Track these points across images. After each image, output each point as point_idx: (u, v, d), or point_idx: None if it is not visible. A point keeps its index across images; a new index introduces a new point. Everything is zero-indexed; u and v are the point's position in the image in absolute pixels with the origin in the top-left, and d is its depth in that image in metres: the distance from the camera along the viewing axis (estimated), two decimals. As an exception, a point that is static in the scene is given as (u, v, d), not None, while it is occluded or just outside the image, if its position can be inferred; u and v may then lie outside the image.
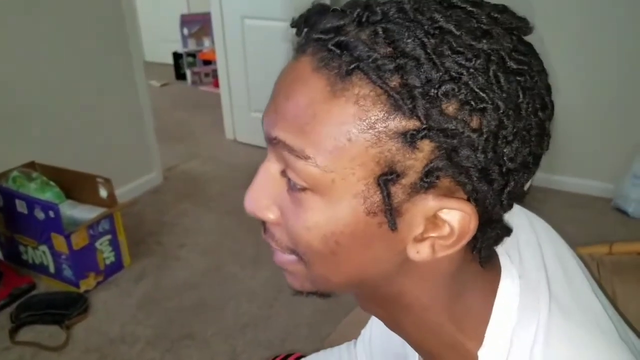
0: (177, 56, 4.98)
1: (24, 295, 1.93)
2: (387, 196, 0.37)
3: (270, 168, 0.42)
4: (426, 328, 0.46)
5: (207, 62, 4.82)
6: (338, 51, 0.36)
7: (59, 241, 1.87)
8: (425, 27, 0.35)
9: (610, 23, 2.34)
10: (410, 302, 0.44)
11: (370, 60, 0.35)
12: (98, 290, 1.99)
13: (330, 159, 0.37)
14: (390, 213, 0.38)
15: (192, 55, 4.88)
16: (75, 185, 2.11)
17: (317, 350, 0.83)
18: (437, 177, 0.36)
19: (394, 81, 0.35)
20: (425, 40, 0.35)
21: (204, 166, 3.11)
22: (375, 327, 0.72)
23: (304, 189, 0.39)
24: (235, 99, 3.37)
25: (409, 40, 0.35)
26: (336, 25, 0.37)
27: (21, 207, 1.92)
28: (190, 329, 1.81)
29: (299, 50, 0.39)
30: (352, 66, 0.35)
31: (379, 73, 0.35)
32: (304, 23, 0.41)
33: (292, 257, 0.43)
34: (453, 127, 0.35)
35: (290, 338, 1.72)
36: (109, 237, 2.01)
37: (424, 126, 0.35)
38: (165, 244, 2.31)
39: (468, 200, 0.38)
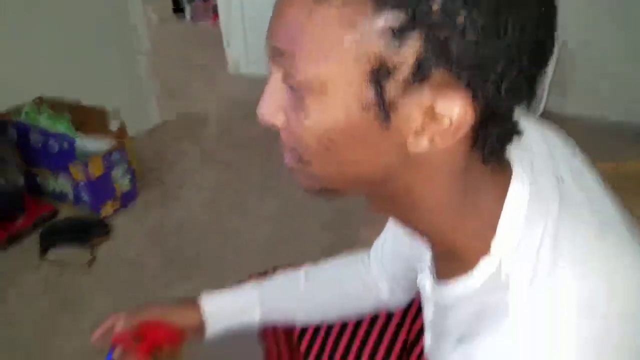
0: (174, -10, 4.88)
1: (48, 221, 2.04)
2: (380, 91, 0.38)
3: (275, 78, 0.44)
4: (436, 226, 0.47)
5: (205, -5, 4.72)
6: None
7: (76, 170, 1.96)
8: None
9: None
10: (418, 201, 0.45)
11: None
12: (117, 216, 2.10)
13: (321, 62, 0.39)
14: (384, 108, 0.39)
15: (190, -12, 4.78)
16: (84, 117, 2.17)
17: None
18: (429, 70, 0.37)
19: None
20: None
21: (203, 103, 3.12)
22: (388, 234, 0.76)
23: (300, 92, 0.41)
24: (235, 30, 3.36)
25: None
26: None
27: (35, 140, 1.99)
28: (202, 254, 1.92)
29: None
30: None
31: None
32: None
33: (294, 158, 0.46)
34: (439, 19, 0.35)
35: (299, 262, 1.82)
36: (123, 166, 2.09)
37: (408, 20, 0.35)
38: (167, 183, 2.36)
39: (467, 91, 0.38)
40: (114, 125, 2.10)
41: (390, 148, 0.41)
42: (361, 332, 0.83)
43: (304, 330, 0.85)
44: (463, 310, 0.48)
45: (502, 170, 0.46)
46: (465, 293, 0.47)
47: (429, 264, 0.56)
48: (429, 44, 0.36)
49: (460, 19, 0.35)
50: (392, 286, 0.77)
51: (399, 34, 0.36)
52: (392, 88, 0.38)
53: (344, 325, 0.83)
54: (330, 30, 0.38)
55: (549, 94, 2.55)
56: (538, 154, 0.49)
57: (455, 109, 0.38)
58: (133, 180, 2.16)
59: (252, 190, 2.25)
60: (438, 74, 0.37)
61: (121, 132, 2.10)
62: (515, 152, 0.46)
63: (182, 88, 3.34)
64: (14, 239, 1.95)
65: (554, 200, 0.44)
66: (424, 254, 0.58)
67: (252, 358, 0.93)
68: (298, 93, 0.41)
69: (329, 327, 0.84)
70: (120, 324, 0.74)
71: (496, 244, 0.44)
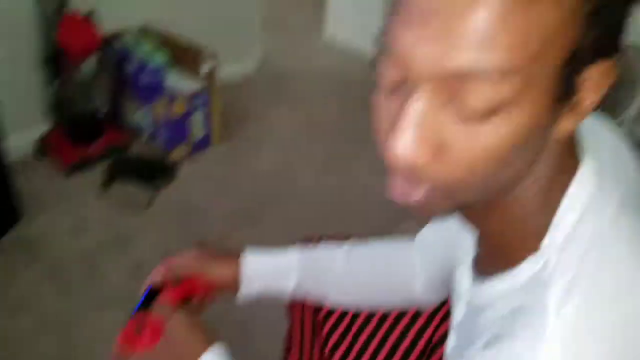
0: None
1: (119, 152, 2.03)
2: (574, 82, 0.37)
3: (429, 105, 0.36)
4: (512, 222, 0.45)
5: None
6: None
7: (159, 106, 1.93)
8: None
9: None
10: (519, 192, 0.43)
11: None
12: (186, 161, 2.06)
13: (532, 66, 0.34)
14: (575, 97, 0.37)
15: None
16: (181, 53, 2.12)
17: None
18: (602, 45, 0.36)
19: None
20: None
21: (297, 64, 3.03)
22: (434, 225, 0.73)
23: (492, 111, 0.35)
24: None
25: None
26: None
27: (131, 67, 1.97)
28: (260, 213, 1.87)
29: None
30: None
31: None
32: None
33: (438, 191, 0.40)
34: None
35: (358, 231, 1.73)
36: (204, 111, 2.04)
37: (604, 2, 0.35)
38: (249, 132, 2.33)
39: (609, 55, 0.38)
40: (205, 68, 2.04)
41: (546, 139, 0.39)
42: (384, 329, 0.82)
43: (329, 314, 0.83)
44: (498, 310, 0.45)
45: (573, 155, 0.44)
46: (504, 291, 0.45)
47: (472, 257, 0.54)
48: (606, 20, 0.35)
49: None
50: (427, 283, 0.75)
51: (595, 14, 0.35)
52: (582, 73, 0.37)
53: (368, 318, 0.82)
54: (546, 24, 0.33)
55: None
56: (607, 148, 0.47)
57: (607, 74, 0.38)
58: (209, 127, 2.10)
59: (314, 167, 2.15)
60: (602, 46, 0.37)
61: (211, 76, 2.04)
62: (587, 144, 0.45)
63: (281, 43, 3.26)
64: (84, 163, 1.95)
65: (611, 203, 0.42)
66: (468, 248, 0.55)
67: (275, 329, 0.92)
68: (481, 117, 0.35)
69: (354, 317, 0.83)
70: (161, 271, 0.74)
71: (546, 242, 0.42)
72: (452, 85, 0.35)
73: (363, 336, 0.82)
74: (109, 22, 2.02)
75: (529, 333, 0.40)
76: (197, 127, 2.06)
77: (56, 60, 1.85)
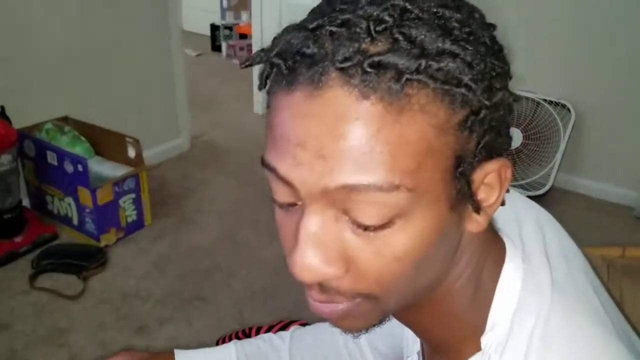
0: (214, 28, 5.01)
1: (47, 243, 2.00)
2: (468, 184, 0.38)
3: (321, 221, 0.37)
4: (445, 319, 0.45)
5: (243, 36, 4.84)
6: (376, 71, 0.33)
7: (84, 195, 1.93)
8: (433, 20, 0.35)
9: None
10: (444, 292, 0.44)
11: (414, 67, 0.33)
12: (117, 245, 2.05)
13: (415, 177, 0.35)
14: (473, 198, 0.39)
15: (229, 28, 4.90)
16: (105, 142, 2.17)
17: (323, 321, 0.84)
18: (491, 146, 0.38)
19: (441, 77, 0.34)
20: (437, 31, 0.35)
21: (229, 137, 3.15)
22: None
23: (387, 223, 0.36)
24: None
25: (426, 36, 0.34)
26: (354, 48, 0.34)
27: (52, 158, 1.98)
28: (201, 291, 1.85)
29: (312, 85, 0.35)
30: (403, 79, 0.33)
31: (428, 75, 0.34)
32: (283, 61, 0.36)
33: (358, 300, 0.40)
34: (498, 99, 0.37)
35: (298, 308, 1.75)
36: (133, 195, 2.06)
37: (478, 109, 0.36)
38: (185, 208, 2.36)
39: (500, 155, 0.40)
40: (131, 152, 2.08)
41: (456, 237, 0.41)
42: None
43: None
44: None
45: (497, 245, 0.46)
46: None
47: (419, 350, 0.54)
48: (490, 125, 0.37)
49: (501, 94, 0.38)
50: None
51: (471, 123, 0.36)
52: (467, 176, 0.38)
53: None
54: (421, 141, 0.34)
55: (558, 169, 2.51)
56: (528, 230, 0.48)
57: (502, 173, 0.40)
58: (140, 210, 2.12)
59: (258, 235, 2.19)
60: (489, 148, 0.39)
61: (137, 161, 2.08)
62: (507, 227, 0.47)
63: (209, 118, 3.38)
64: (10, 257, 1.90)
65: (546, 280, 0.43)
66: (413, 341, 0.55)
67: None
68: (379, 225, 0.36)
69: None
70: None
71: (485, 341, 0.42)
72: (341, 200, 0.35)
73: None
74: (29, 115, 2.05)
75: None
76: (127, 210, 2.06)
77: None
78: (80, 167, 1.89)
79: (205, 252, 2.07)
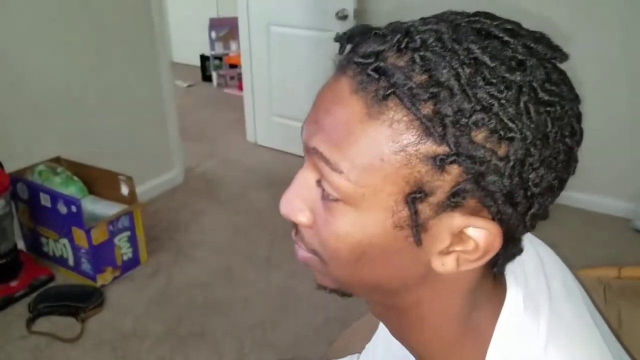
0: (204, 58, 5.06)
1: (43, 286, 1.98)
2: (415, 213, 0.39)
3: (307, 175, 0.44)
4: (435, 341, 0.47)
5: (233, 66, 4.88)
6: (376, 76, 0.38)
7: (79, 235, 1.92)
8: (461, 57, 0.37)
9: (633, 37, 2.32)
10: (425, 314, 0.46)
11: (405, 87, 0.37)
12: (114, 284, 2.04)
13: (362, 175, 0.39)
14: (417, 229, 0.40)
15: (219, 58, 4.95)
16: (98, 181, 2.17)
17: (323, 356, 0.84)
18: (464, 198, 0.38)
19: (427, 108, 0.36)
20: (460, 70, 0.36)
21: (223, 167, 3.16)
22: (380, 337, 0.72)
23: (336, 200, 0.41)
24: (258, 102, 3.41)
25: (444, 70, 0.36)
26: (376, 50, 0.39)
27: (45, 200, 1.97)
28: (200, 327, 1.84)
29: (340, 69, 0.41)
30: (389, 92, 0.37)
31: (413, 100, 0.36)
32: (347, 40, 0.43)
33: (315, 257, 0.46)
34: (481, 155, 0.37)
35: (298, 342, 1.73)
36: (127, 233, 2.06)
37: (453, 152, 0.37)
38: (181, 242, 2.35)
39: (493, 219, 0.40)
40: (124, 190, 2.08)
41: (414, 264, 0.42)
42: None
43: None
44: None
45: (499, 285, 0.46)
46: None
47: None
48: (467, 174, 0.37)
49: (498, 155, 0.37)
50: None
51: (440, 162, 0.37)
52: (424, 210, 0.39)
53: None
54: (378, 148, 0.38)
55: None
56: (529, 263, 0.49)
57: (484, 236, 0.40)
58: (136, 247, 2.11)
59: (256, 267, 2.18)
60: (472, 201, 0.39)
61: (131, 198, 2.08)
62: (509, 267, 0.47)
63: (202, 149, 3.39)
64: (6, 303, 1.88)
65: (545, 314, 0.44)
66: None
67: None
68: (331, 200, 0.41)
69: None
70: None
71: None
72: (318, 166, 0.41)
73: None
74: (20, 157, 2.05)
75: None
76: (122, 249, 2.05)
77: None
78: (74, 208, 1.89)
79: (202, 286, 2.06)
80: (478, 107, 0.36)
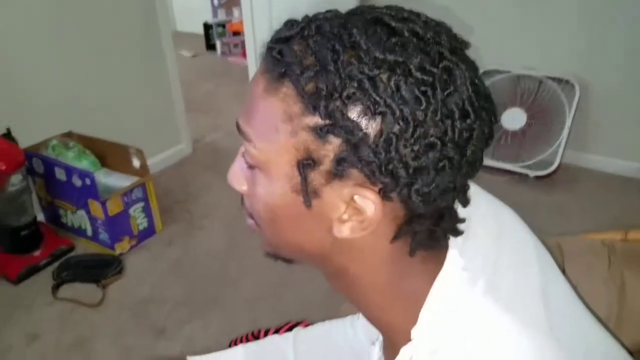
0: (207, 27, 5.04)
1: (64, 255, 2.07)
2: (304, 178, 0.44)
3: (241, 150, 0.51)
4: (370, 304, 0.53)
5: (237, 33, 4.86)
6: (279, 58, 0.44)
7: (95, 207, 2.00)
8: (344, 41, 0.41)
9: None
10: (355, 280, 0.51)
11: (296, 68, 0.42)
12: (132, 253, 2.12)
13: (264, 144, 0.45)
14: (306, 192, 0.45)
15: (222, 25, 4.93)
16: (109, 154, 2.24)
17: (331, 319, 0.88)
18: (346, 168, 0.42)
19: (310, 86, 0.41)
20: (340, 52, 0.41)
21: (229, 139, 3.20)
22: None
23: (253, 167, 0.48)
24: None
25: (325, 52, 0.41)
26: (284, 36, 0.44)
27: (60, 174, 2.04)
28: (214, 294, 1.92)
29: (264, 54, 0.47)
30: (282, 71, 0.43)
31: (300, 78, 0.42)
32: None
33: (252, 221, 0.53)
34: (353, 127, 0.40)
35: (307, 308, 1.81)
36: (141, 204, 2.13)
37: (328, 123, 0.41)
38: (193, 213, 2.43)
39: (379, 192, 0.43)
40: (136, 163, 2.14)
41: (318, 229, 0.47)
42: None
43: None
44: None
45: (436, 257, 0.49)
46: None
47: (380, 339, 0.61)
48: (345, 145, 0.42)
49: (372, 128, 0.40)
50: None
51: (320, 132, 0.42)
52: (316, 177, 0.44)
53: None
54: (273, 119, 0.44)
55: (565, 146, 2.52)
56: (481, 234, 0.51)
57: (369, 206, 0.44)
58: (150, 217, 2.19)
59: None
60: (355, 172, 0.43)
61: (143, 170, 2.14)
62: (456, 240, 0.50)
63: (209, 120, 3.43)
64: (31, 272, 1.97)
65: (481, 287, 0.46)
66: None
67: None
68: (251, 167, 0.48)
69: None
70: None
71: (415, 332, 0.47)
72: (243, 139, 0.48)
73: None
74: (32, 133, 2.11)
75: None
76: (138, 219, 2.13)
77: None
78: (88, 181, 1.96)
79: (214, 256, 2.14)
80: (350, 84, 0.40)
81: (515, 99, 2.59)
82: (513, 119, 2.59)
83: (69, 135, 2.25)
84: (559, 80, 2.50)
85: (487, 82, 2.61)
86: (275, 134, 0.44)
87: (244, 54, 4.47)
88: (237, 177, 0.52)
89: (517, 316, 0.45)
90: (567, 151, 2.54)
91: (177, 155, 2.89)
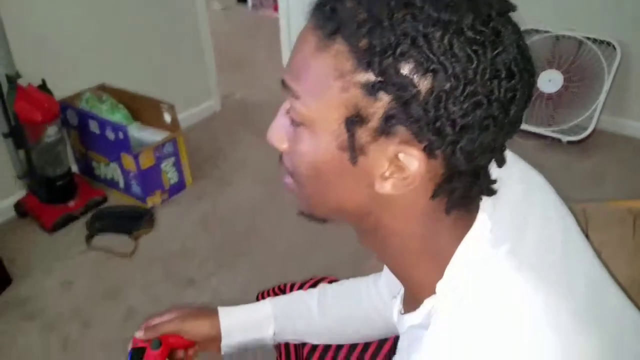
0: (238, -21, 4.95)
1: (98, 206, 2.14)
2: (352, 135, 0.45)
3: (284, 107, 0.51)
4: (403, 259, 0.54)
5: (267, -14, 4.77)
6: (331, 14, 0.44)
7: (128, 160, 2.04)
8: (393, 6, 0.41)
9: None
10: (387, 236, 0.53)
11: (349, 24, 0.42)
12: (163, 206, 2.18)
13: (313, 101, 0.46)
14: (353, 149, 0.45)
15: (253, -22, 4.84)
16: (141, 108, 2.26)
17: (357, 276, 0.89)
18: (394, 125, 0.43)
19: (363, 42, 0.42)
20: (394, 10, 0.41)
21: (258, 95, 3.18)
22: None
23: (298, 124, 0.48)
24: (293, 27, 3.37)
25: (379, 10, 0.41)
26: None
27: (94, 127, 2.08)
28: (242, 247, 1.97)
29: (313, 10, 0.47)
30: (335, 28, 0.43)
31: (353, 34, 0.42)
32: None
33: (291, 180, 0.53)
34: (405, 84, 0.41)
35: (334, 265, 1.84)
36: (172, 159, 2.17)
37: (380, 80, 0.42)
38: (222, 169, 2.46)
39: (424, 150, 0.44)
40: (167, 118, 2.17)
41: (360, 186, 0.48)
42: (367, 355, 0.84)
43: (313, 348, 0.87)
44: (405, 341, 0.56)
45: (467, 218, 0.50)
46: (410, 326, 0.55)
47: (401, 293, 0.63)
48: (395, 102, 0.42)
49: (423, 86, 0.41)
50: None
51: (371, 89, 0.42)
52: (363, 135, 0.45)
53: (351, 349, 0.85)
54: (324, 76, 0.44)
55: (602, 111, 2.44)
56: (512, 199, 0.52)
57: (414, 163, 0.44)
58: (181, 172, 2.23)
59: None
60: (403, 130, 0.43)
61: (174, 126, 2.16)
62: (486, 203, 0.51)
63: (238, 76, 3.42)
64: (66, 221, 2.05)
65: (504, 250, 0.47)
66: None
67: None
68: (296, 124, 0.49)
69: (338, 348, 0.86)
70: (140, 335, 0.78)
71: (440, 286, 0.49)
72: (289, 96, 0.48)
73: None
74: (66, 86, 2.14)
75: None
76: (169, 173, 2.17)
77: (19, 133, 1.95)
78: (121, 135, 1.99)
79: (243, 210, 2.18)
80: (404, 41, 0.40)
81: (552, 61, 2.51)
82: (549, 81, 2.51)
83: (102, 88, 2.28)
84: (599, 42, 2.40)
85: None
86: (325, 91, 0.45)
87: (275, 8, 4.39)
88: (278, 135, 0.52)
89: (535, 276, 0.47)
90: (602, 116, 2.46)
91: (206, 111, 2.91)
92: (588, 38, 2.42)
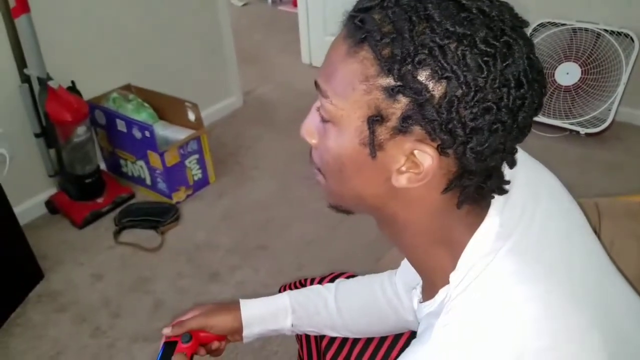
0: (257, -25, 4.99)
1: (125, 202, 2.23)
2: (372, 132, 0.50)
3: (315, 105, 0.57)
4: (419, 250, 0.59)
5: (287, -18, 4.80)
6: (360, 25, 0.49)
7: (154, 158, 2.12)
8: (419, 13, 0.46)
9: None
10: (402, 228, 0.58)
11: (375, 34, 0.47)
12: (187, 202, 2.26)
13: (341, 100, 0.51)
14: (373, 145, 0.51)
15: (272, -26, 4.87)
16: (166, 107, 2.34)
17: (372, 271, 0.94)
18: (411, 124, 0.48)
19: (386, 51, 0.47)
20: (415, 23, 0.46)
21: (277, 91, 3.24)
22: None
23: (326, 121, 0.54)
24: (313, 22, 3.41)
25: (402, 22, 0.46)
26: (365, 6, 0.49)
27: (121, 126, 2.17)
28: (263, 241, 2.04)
29: (345, 21, 0.52)
30: (363, 37, 0.48)
31: (378, 44, 0.47)
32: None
33: (321, 175, 0.59)
34: (422, 88, 0.46)
35: (349, 258, 1.89)
36: (196, 156, 2.24)
37: (399, 84, 0.47)
38: (243, 165, 2.53)
39: (437, 149, 0.49)
40: (191, 116, 2.24)
41: (379, 179, 0.53)
42: (382, 350, 0.88)
43: (331, 341, 0.92)
44: (421, 328, 0.60)
45: (479, 213, 0.55)
46: (426, 314, 0.60)
47: (421, 283, 0.68)
48: (412, 104, 0.47)
49: (437, 91, 0.46)
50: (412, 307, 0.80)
51: (391, 92, 0.48)
52: (383, 132, 0.50)
53: (367, 343, 0.90)
54: (351, 79, 0.50)
55: (620, 103, 2.43)
56: (521, 196, 0.57)
57: (428, 159, 0.49)
58: (204, 169, 2.30)
59: (310, 188, 2.31)
60: (418, 129, 0.48)
61: (198, 124, 2.23)
62: (498, 200, 0.56)
63: (259, 72, 3.47)
64: (95, 217, 2.15)
65: (509, 244, 0.52)
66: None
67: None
68: (324, 121, 0.54)
69: (354, 342, 0.91)
70: (168, 332, 0.83)
71: (453, 277, 0.54)
72: (319, 96, 0.54)
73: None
74: (94, 86, 2.23)
75: (417, 348, 0.53)
76: (193, 170, 2.25)
77: (50, 133, 2.04)
78: (147, 133, 2.07)
79: (264, 205, 2.24)
80: (422, 51, 0.45)
81: (570, 53, 2.50)
82: (567, 74, 2.51)
83: (127, 88, 2.36)
84: (617, 34, 2.39)
85: (542, 35, 2.52)
86: (351, 92, 0.50)
87: (294, 3, 4.43)
88: (310, 130, 0.58)
89: (540, 271, 0.52)
90: (620, 108, 2.45)
91: (228, 108, 2.97)
92: (605, 30, 2.41)
